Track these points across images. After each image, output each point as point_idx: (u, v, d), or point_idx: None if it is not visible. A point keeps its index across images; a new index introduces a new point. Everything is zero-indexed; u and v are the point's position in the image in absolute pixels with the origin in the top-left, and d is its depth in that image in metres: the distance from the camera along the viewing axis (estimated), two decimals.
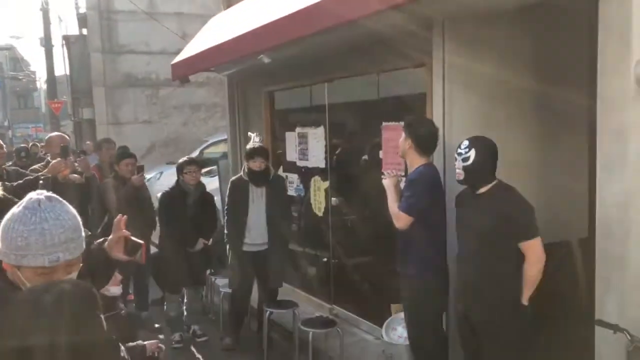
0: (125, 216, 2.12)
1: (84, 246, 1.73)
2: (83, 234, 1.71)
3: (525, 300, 3.08)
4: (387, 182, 3.68)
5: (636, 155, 2.79)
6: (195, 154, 10.07)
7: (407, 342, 3.95)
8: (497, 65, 3.89)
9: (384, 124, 4.65)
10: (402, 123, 3.73)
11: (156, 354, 2.56)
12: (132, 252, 2.09)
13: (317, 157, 5.66)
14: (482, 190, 3.17)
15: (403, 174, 4.21)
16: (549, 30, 3.98)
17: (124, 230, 2.08)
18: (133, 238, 2.10)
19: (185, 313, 5.39)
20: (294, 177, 6.09)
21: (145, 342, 2.55)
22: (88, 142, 11.79)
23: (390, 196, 3.60)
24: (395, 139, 4.50)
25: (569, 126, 4.16)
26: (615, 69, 2.83)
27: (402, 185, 3.77)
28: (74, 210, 1.69)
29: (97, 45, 14.03)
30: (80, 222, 1.70)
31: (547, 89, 4.00)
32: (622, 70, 2.78)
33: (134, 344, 2.52)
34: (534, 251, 3.03)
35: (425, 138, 3.64)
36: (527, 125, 4.06)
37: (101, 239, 2.12)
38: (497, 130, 3.62)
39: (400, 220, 3.47)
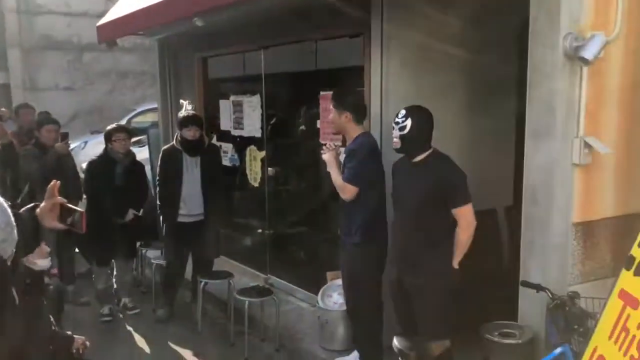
0: (58, 182, 1.98)
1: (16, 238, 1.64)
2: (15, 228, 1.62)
3: (456, 264, 3.21)
4: (327, 156, 3.68)
5: (562, 124, 2.94)
6: (122, 123, 9.64)
7: (342, 309, 4.05)
8: (434, 36, 3.96)
9: (321, 93, 4.63)
10: (332, 100, 3.71)
11: (80, 351, 2.50)
12: (69, 220, 1.95)
13: (252, 126, 5.57)
14: (418, 158, 3.25)
15: (340, 144, 4.24)
16: (484, 5, 4.08)
17: (58, 197, 1.94)
18: (69, 205, 1.97)
19: (115, 286, 5.21)
20: (228, 147, 5.98)
21: (74, 336, 2.47)
22: (3, 109, 10.95)
23: (333, 169, 3.62)
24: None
25: (498, 97, 4.32)
26: (545, 42, 2.94)
27: (342, 156, 3.79)
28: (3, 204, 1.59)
29: (12, 5, 12.99)
30: (11, 216, 1.60)
31: (479, 59, 4.13)
32: (551, 42, 2.90)
33: (64, 334, 2.44)
34: (465, 217, 3.16)
35: (360, 107, 3.72)
36: (458, 95, 4.19)
37: (31, 205, 1.97)
38: (430, 100, 3.70)
39: (346, 191, 3.50)
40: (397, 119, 3.26)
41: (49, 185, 1.96)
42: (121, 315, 5.15)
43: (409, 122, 3.18)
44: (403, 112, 3.25)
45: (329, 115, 3.70)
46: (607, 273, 3.15)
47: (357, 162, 3.51)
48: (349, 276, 3.72)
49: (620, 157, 3.14)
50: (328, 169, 3.70)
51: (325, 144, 3.84)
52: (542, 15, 2.95)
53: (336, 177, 3.58)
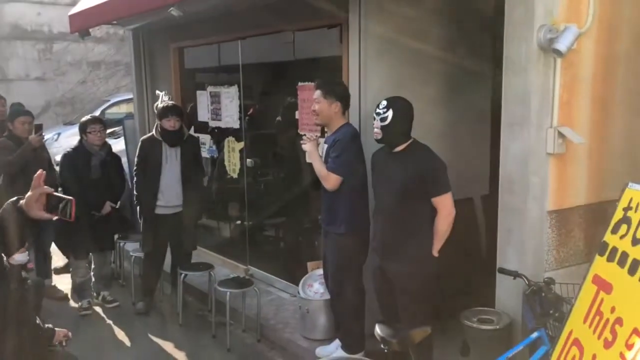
0: (44, 172, 1.95)
1: None
2: None
3: (435, 252, 3.26)
4: (308, 147, 3.68)
5: (536, 115, 3.01)
6: (96, 114, 9.47)
7: (323, 298, 4.09)
8: (411, 26, 3.99)
9: (299, 84, 4.63)
10: (320, 90, 3.68)
11: (64, 343, 2.51)
12: (57, 209, 1.92)
13: (230, 117, 5.54)
14: (399, 148, 3.29)
15: (319, 134, 4.25)
16: None
17: (45, 187, 1.92)
18: (57, 194, 1.94)
19: (93, 279, 5.16)
20: (206, 138, 5.94)
21: (56, 329, 2.47)
22: None
23: (315, 159, 3.63)
24: (311, 99, 4.51)
25: (474, 87, 4.38)
26: (520, 34, 3.00)
27: (322, 147, 3.79)
28: None
29: None
30: None
31: (455, 50, 4.18)
32: (526, 35, 2.96)
33: (46, 327, 2.43)
34: (445, 205, 3.21)
35: (348, 97, 3.74)
36: (435, 86, 4.23)
37: (14, 198, 1.94)
38: (408, 90, 3.74)
39: (330, 180, 3.52)
40: (378, 110, 3.28)
41: (35, 175, 1.93)
42: (100, 309, 5.10)
43: (390, 113, 3.21)
44: (384, 102, 3.27)
45: (315, 105, 3.66)
46: (581, 259, 3.25)
47: (341, 151, 3.53)
48: (333, 265, 3.74)
49: (594, 147, 3.23)
50: (309, 159, 3.71)
51: (304, 135, 3.84)
52: (517, 8, 3.00)
53: (320, 167, 3.59)
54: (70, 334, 2.52)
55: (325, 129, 3.92)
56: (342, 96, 3.65)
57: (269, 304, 4.82)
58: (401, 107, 3.25)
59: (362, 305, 3.76)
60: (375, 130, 3.28)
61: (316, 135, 3.80)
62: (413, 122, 3.33)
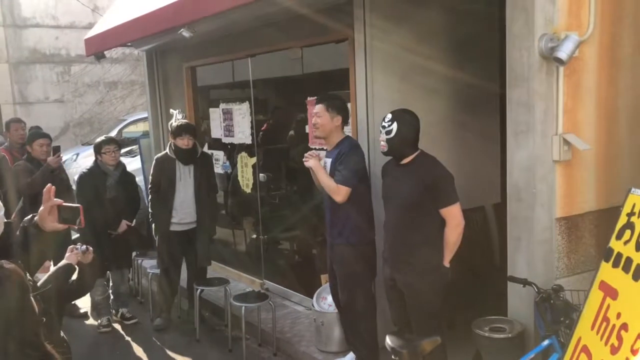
0: (53, 186, 2.04)
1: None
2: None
3: (446, 263, 3.27)
4: (312, 163, 3.70)
5: (541, 122, 3.02)
6: (113, 134, 9.67)
7: (337, 310, 4.11)
8: (416, 39, 4.04)
9: (309, 98, 4.70)
10: (322, 104, 3.73)
11: (83, 255, 2.46)
12: (68, 219, 2.01)
13: (243, 133, 5.63)
14: (406, 160, 3.32)
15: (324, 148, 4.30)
16: (463, 8, 4.17)
17: (55, 199, 2.00)
18: (67, 204, 2.03)
19: (111, 297, 5.25)
20: (219, 154, 6.03)
21: (64, 261, 2.41)
22: None
23: (321, 174, 3.65)
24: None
25: (483, 99, 4.41)
26: (522, 44, 3.03)
27: (323, 162, 3.82)
28: None
29: None
30: None
31: (462, 61, 4.21)
32: (527, 44, 2.99)
33: (48, 276, 2.35)
34: (453, 216, 3.22)
35: (348, 111, 3.78)
36: (444, 97, 4.27)
37: (29, 216, 2.03)
38: (416, 102, 3.79)
39: (341, 193, 3.54)
40: (383, 123, 3.32)
41: (45, 189, 2.01)
42: (119, 326, 5.19)
43: (394, 126, 3.25)
44: (389, 116, 3.32)
45: (317, 118, 3.71)
46: (593, 265, 3.22)
47: (347, 164, 3.56)
48: (342, 278, 3.76)
49: (600, 152, 3.23)
50: (315, 175, 3.72)
51: (305, 156, 3.82)
52: (518, 18, 3.04)
53: (328, 182, 3.60)
54: (79, 247, 2.49)
55: (325, 144, 3.92)
56: (343, 110, 3.71)
57: (285, 318, 4.85)
58: (406, 119, 3.28)
59: (373, 317, 3.77)
60: (382, 143, 3.32)
61: (317, 153, 3.82)
62: (421, 133, 3.36)
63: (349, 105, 4.27)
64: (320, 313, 4.22)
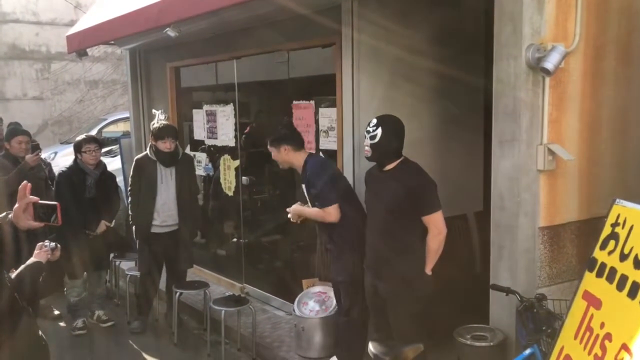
0: (29, 183, 1.98)
1: None
2: None
3: (428, 270, 3.27)
4: (294, 208, 3.78)
5: (526, 132, 3.05)
6: (93, 133, 9.52)
7: (319, 316, 4.09)
8: (403, 46, 4.05)
9: (294, 102, 4.68)
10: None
11: (52, 253, 2.41)
12: (44, 216, 1.96)
13: (226, 135, 5.58)
14: (389, 167, 3.31)
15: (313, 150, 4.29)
16: (451, 17, 4.20)
17: (30, 196, 1.94)
18: (43, 202, 1.97)
19: (88, 298, 5.14)
20: (202, 156, 5.97)
21: (33, 259, 2.34)
22: None
23: (307, 212, 3.71)
24: (306, 117, 4.57)
25: (468, 107, 4.44)
26: (509, 53, 3.05)
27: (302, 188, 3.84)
28: None
29: None
30: None
31: (448, 69, 4.24)
32: (515, 54, 3.01)
33: (19, 273, 2.26)
34: (436, 224, 3.22)
35: (294, 134, 3.85)
36: (430, 104, 4.28)
37: (3, 214, 1.97)
38: (401, 108, 3.79)
39: (330, 214, 3.55)
40: (368, 128, 3.31)
41: (20, 186, 1.96)
42: (95, 329, 5.07)
43: (379, 131, 3.24)
44: (374, 121, 3.31)
45: (274, 157, 3.82)
46: (574, 275, 3.26)
47: (317, 183, 3.59)
48: (343, 288, 3.71)
49: (583, 163, 3.26)
50: (301, 217, 3.77)
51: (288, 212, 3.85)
52: (506, 28, 3.06)
53: (314, 213, 3.65)
54: (47, 243, 2.42)
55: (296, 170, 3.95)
56: (285, 138, 3.77)
57: (265, 322, 4.80)
58: (391, 125, 3.28)
59: (365, 320, 3.74)
60: (366, 148, 3.32)
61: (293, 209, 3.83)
62: (406, 139, 3.36)
63: (334, 110, 4.27)
64: (301, 318, 4.18)
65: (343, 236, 3.63)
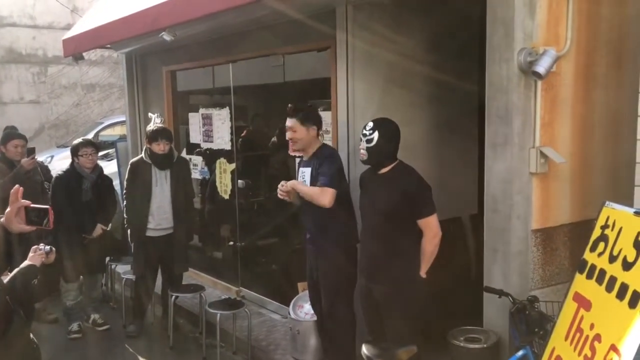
0: (21, 187, 1.99)
1: None
2: None
3: (423, 273, 3.28)
4: (290, 184, 3.62)
5: (518, 135, 3.07)
6: (90, 137, 9.52)
7: (314, 319, 4.09)
8: (397, 50, 4.08)
9: (290, 105, 4.68)
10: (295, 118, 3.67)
11: (47, 256, 2.40)
12: (36, 220, 1.97)
13: (222, 138, 5.60)
14: (384, 170, 3.33)
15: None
16: (444, 22, 4.23)
17: (22, 200, 1.96)
18: (34, 205, 1.98)
19: (83, 302, 5.14)
20: (198, 160, 5.98)
21: (27, 262, 2.32)
22: None
23: (303, 188, 3.59)
24: None
25: (462, 110, 4.46)
26: (501, 57, 3.08)
27: (302, 172, 3.79)
28: None
29: None
30: None
31: (443, 73, 4.27)
32: (507, 58, 3.04)
33: (12, 276, 2.26)
34: (430, 227, 3.23)
35: (321, 120, 3.79)
36: (424, 108, 4.31)
37: None
38: (396, 112, 3.81)
39: (327, 195, 3.43)
40: (364, 131, 3.32)
41: (12, 190, 1.97)
42: (91, 332, 5.07)
43: (375, 135, 3.25)
44: (370, 124, 3.31)
45: (292, 133, 3.65)
46: (567, 277, 3.26)
47: (328, 168, 3.52)
48: (327, 285, 3.70)
49: (576, 166, 3.29)
50: (296, 193, 3.62)
51: (280, 190, 3.70)
52: (498, 32, 3.09)
53: (310, 190, 3.53)
54: (42, 247, 2.40)
55: (302, 155, 3.86)
56: (318, 120, 3.72)
57: (260, 326, 4.81)
58: (387, 129, 3.29)
59: (354, 325, 3.75)
60: (362, 151, 3.33)
61: (285, 182, 3.70)
62: (400, 143, 3.38)
63: (329, 113, 4.29)
64: (296, 321, 4.19)
65: (327, 231, 3.62)
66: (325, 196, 3.44)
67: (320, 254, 3.73)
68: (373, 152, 3.27)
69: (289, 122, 3.68)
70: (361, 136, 3.35)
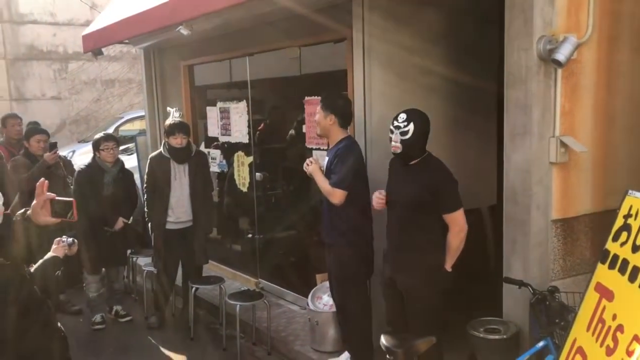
0: (47, 180, 2.04)
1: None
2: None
3: (449, 267, 3.22)
4: (312, 168, 3.70)
5: (538, 124, 3.03)
6: (110, 132, 9.64)
7: (332, 310, 4.11)
8: (415, 39, 4.05)
9: (306, 98, 4.70)
10: (320, 102, 3.75)
11: (69, 248, 2.48)
12: (61, 213, 2.02)
13: (240, 132, 5.63)
14: (414, 162, 3.23)
15: (326, 148, 4.30)
16: (462, 10, 4.17)
17: (47, 193, 2.00)
18: (59, 198, 2.03)
19: (106, 294, 5.23)
20: (216, 153, 6.02)
21: (50, 254, 2.40)
22: None
23: (319, 178, 3.65)
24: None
25: (481, 100, 4.41)
26: (520, 45, 3.03)
27: (323, 161, 3.83)
28: None
29: None
30: None
31: (460, 63, 4.22)
32: (526, 46, 3.00)
33: (36, 267, 2.32)
34: (457, 222, 3.16)
35: (345, 112, 3.76)
36: (441, 98, 4.27)
37: (21, 210, 2.03)
38: (414, 103, 3.77)
39: (336, 196, 3.53)
40: (397, 123, 3.17)
41: (37, 183, 2.02)
42: (113, 323, 5.17)
43: (411, 127, 3.12)
44: (404, 116, 3.17)
45: (316, 116, 3.76)
46: (588, 268, 3.22)
47: (343, 165, 3.56)
48: (337, 279, 3.76)
49: (597, 155, 3.24)
50: (314, 178, 3.72)
51: (306, 162, 3.80)
52: (517, 20, 3.04)
53: (323, 184, 3.62)
54: (64, 239, 2.50)
55: (324, 143, 3.95)
56: (338, 110, 3.68)
57: (280, 317, 4.85)
58: (422, 120, 3.17)
59: (368, 317, 3.76)
60: (394, 144, 3.18)
61: (316, 158, 3.83)
62: None
63: None
64: (315, 312, 4.21)
65: (337, 227, 3.65)
66: (334, 196, 3.55)
67: (330, 248, 3.78)
68: (408, 144, 3.13)
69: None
70: (392, 128, 3.19)
